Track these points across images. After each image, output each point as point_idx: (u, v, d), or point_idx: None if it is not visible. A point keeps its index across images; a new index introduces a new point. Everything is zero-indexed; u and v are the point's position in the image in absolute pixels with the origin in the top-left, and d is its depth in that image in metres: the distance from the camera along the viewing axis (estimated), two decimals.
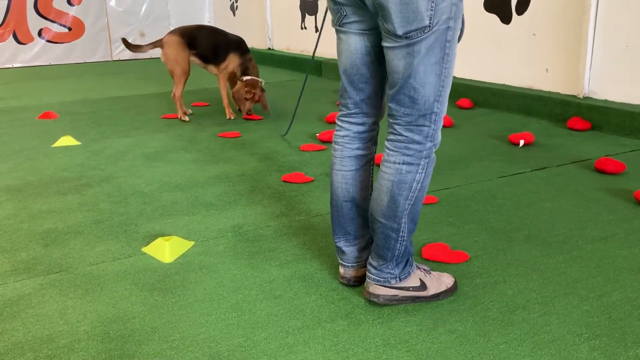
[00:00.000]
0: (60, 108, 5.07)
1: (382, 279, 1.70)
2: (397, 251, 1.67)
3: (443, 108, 1.58)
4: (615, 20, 3.65)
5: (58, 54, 8.67)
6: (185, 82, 4.35)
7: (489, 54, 4.57)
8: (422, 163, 1.59)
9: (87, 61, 8.81)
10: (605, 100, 3.75)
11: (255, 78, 4.29)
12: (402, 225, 1.64)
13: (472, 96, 4.50)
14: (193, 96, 5.45)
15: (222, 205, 2.61)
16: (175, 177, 3.04)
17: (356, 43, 1.65)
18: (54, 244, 2.24)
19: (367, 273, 1.74)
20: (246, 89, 4.22)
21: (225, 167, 3.19)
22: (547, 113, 3.91)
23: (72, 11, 8.59)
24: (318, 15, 6.85)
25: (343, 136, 1.76)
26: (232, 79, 4.46)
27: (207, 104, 5.07)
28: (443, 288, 1.75)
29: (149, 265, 2.03)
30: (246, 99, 4.27)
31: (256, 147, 3.60)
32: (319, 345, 1.54)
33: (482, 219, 2.33)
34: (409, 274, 1.72)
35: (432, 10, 1.45)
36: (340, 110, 1.77)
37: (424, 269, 1.78)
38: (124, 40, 4.50)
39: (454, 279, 1.79)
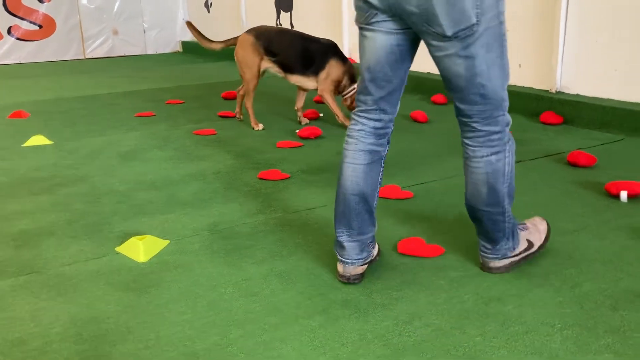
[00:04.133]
0: (32, 107, 4.97)
1: (500, 255, 1.82)
2: (507, 230, 1.79)
3: (507, 94, 1.66)
4: (586, 16, 3.71)
5: (29, 52, 8.50)
6: (254, 89, 3.87)
7: None
8: (507, 148, 1.70)
9: (59, 59, 8.66)
10: (577, 95, 3.81)
11: None
12: (506, 207, 1.75)
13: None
14: (168, 94, 5.40)
15: (198, 203, 2.59)
16: (150, 175, 3.01)
17: (382, 41, 1.67)
18: (26, 245, 2.19)
19: (481, 253, 1.85)
20: None
21: (200, 164, 3.17)
22: (520, 108, 3.96)
23: (43, 8, 8.43)
24: (293, 11, 6.83)
25: (358, 130, 1.78)
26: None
27: (182, 101, 5.03)
28: (543, 235, 1.92)
29: (123, 265, 2.01)
30: None
31: (232, 144, 3.58)
32: (296, 342, 1.54)
33: (457, 213, 2.35)
34: (519, 240, 1.84)
35: (478, 8, 1.51)
36: (358, 106, 1.79)
37: (523, 226, 1.88)
38: (190, 26, 4.12)
39: (544, 221, 1.96)
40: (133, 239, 2.10)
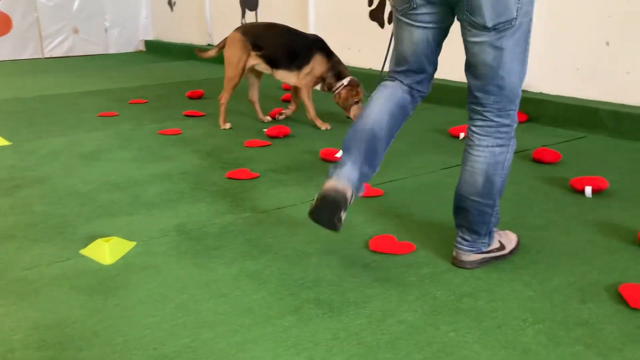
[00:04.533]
0: None
1: (474, 249, 1.84)
2: (491, 224, 1.83)
3: (521, 91, 1.73)
4: (550, 17, 3.77)
5: None
6: (234, 88, 3.78)
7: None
8: (511, 143, 1.76)
9: (16, 58, 8.40)
10: (541, 93, 3.88)
11: (354, 78, 3.72)
12: (496, 200, 1.79)
13: None
14: (131, 93, 5.29)
15: (164, 204, 2.53)
16: (114, 176, 2.93)
17: (419, 35, 1.75)
18: None
19: (457, 245, 1.86)
20: (352, 92, 3.65)
21: (166, 165, 3.10)
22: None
23: None
24: (259, 10, 6.78)
25: (394, 85, 1.85)
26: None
27: (146, 100, 4.93)
28: (513, 245, 1.93)
29: (88, 268, 1.94)
30: (355, 102, 3.68)
31: (198, 144, 3.52)
32: (269, 342, 1.51)
33: (427, 210, 2.36)
34: (493, 238, 1.87)
35: (519, 3, 1.58)
36: (395, 71, 1.86)
37: (496, 231, 1.91)
38: (199, 52, 4.05)
39: (515, 235, 1.97)
40: (98, 241, 2.03)
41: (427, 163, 2.98)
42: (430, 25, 1.74)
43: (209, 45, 7.89)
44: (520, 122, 3.75)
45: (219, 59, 4.01)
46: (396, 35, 1.83)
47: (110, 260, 1.98)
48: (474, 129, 1.76)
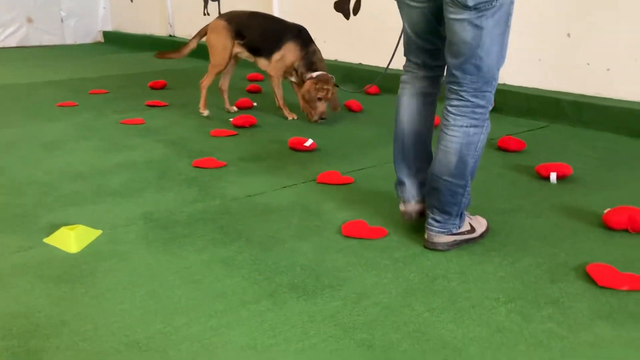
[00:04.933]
0: None
1: (445, 230, 1.86)
2: (462, 205, 1.84)
3: (498, 74, 1.75)
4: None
5: None
6: (217, 74, 3.73)
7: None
8: (485, 125, 1.78)
9: None
10: (504, 84, 3.95)
11: (326, 73, 3.52)
12: (468, 181, 1.81)
13: (380, 83, 4.58)
14: (91, 84, 5.15)
15: (129, 192, 2.47)
16: (76, 165, 2.85)
17: (418, 13, 1.80)
18: None
19: (428, 227, 1.88)
20: (317, 86, 3.44)
21: (130, 154, 3.03)
22: None
23: None
24: (221, 0, 6.69)
25: (411, 77, 1.92)
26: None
27: (107, 91, 4.81)
28: (484, 228, 1.96)
29: (53, 257, 1.88)
30: (319, 99, 3.48)
31: (163, 133, 3.45)
32: (244, 327, 1.49)
33: (395, 196, 2.36)
34: (464, 220, 1.89)
35: None
36: (408, 61, 1.93)
37: (467, 214, 1.93)
38: (161, 55, 3.95)
39: (485, 219, 1.99)
40: (63, 229, 1.97)
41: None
42: (424, 3, 1.76)
43: (170, 36, 7.75)
44: None
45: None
46: (402, 18, 1.88)
47: (76, 249, 1.92)
48: (450, 108, 1.77)
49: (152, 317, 1.54)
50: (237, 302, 1.60)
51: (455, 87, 1.75)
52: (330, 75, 3.53)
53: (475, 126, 1.76)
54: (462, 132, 1.75)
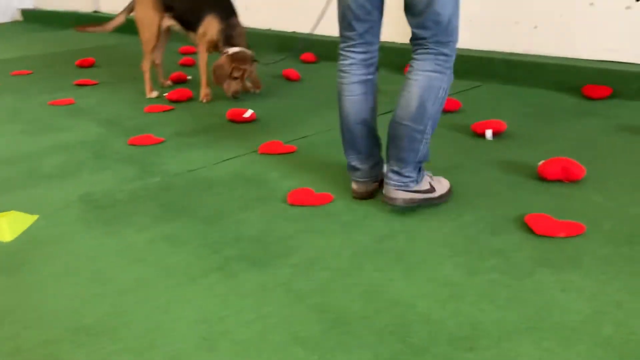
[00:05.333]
0: None
1: (402, 184, 1.87)
2: (420, 152, 1.85)
3: (458, 22, 1.80)
4: None
5: None
6: (153, 51, 3.52)
7: (332, 8, 4.64)
8: (447, 73, 1.82)
9: None
10: None
11: (244, 50, 3.27)
12: (427, 127, 1.83)
13: (317, 50, 4.55)
14: (12, 65, 4.87)
15: (64, 175, 2.38)
16: (2, 150, 2.70)
17: None
18: None
19: (386, 180, 1.89)
20: (233, 64, 3.22)
21: (61, 136, 2.90)
22: (387, 62, 4.06)
23: None
24: None
25: (349, 64, 1.92)
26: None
27: (30, 71, 4.56)
28: (445, 190, 1.97)
29: None
30: (234, 78, 3.27)
31: (94, 112, 3.32)
32: (195, 301, 1.47)
33: (339, 161, 2.37)
34: (423, 177, 1.92)
35: None
36: (344, 42, 1.93)
37: (428, 174, 1.97)
38: (82, 28, 3.68)
39: (449, 182, 2.01)
40: None
41: (335, 118, 2.98)
42: None
43: (94, 12, 7.42)
44: None
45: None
46: None
47: (11, 237, 1.84)
48: (415, 57, 1.82)
49: (100, 300, 1.49)
50: (185, 278, 1.58)
51: (419, 41, 1.80)
52: (249, 52, 3.30)
53: (437, 72, 1.79)
54: (424, 76, 1.79)
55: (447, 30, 1.77)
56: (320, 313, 1.40)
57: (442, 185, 1.97)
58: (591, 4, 3.30)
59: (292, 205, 2.00)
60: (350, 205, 1.97)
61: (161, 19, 3.48)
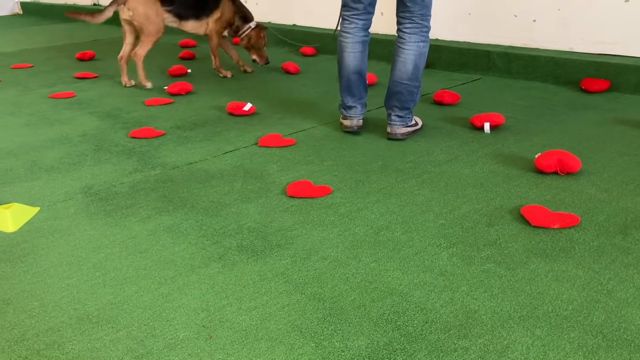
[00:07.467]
0: None
1: (403, 123, 2.53)
2: (415, 101, 2.51)
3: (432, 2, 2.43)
4: None
5: None
6: (154, 43, 3.61)
7: (331, 2, 4.64)
8: (427, 40, 2.43)
9: None
10: (437, 39, 4.01)
11: (258, 22, 3.86)
12: (419, 81, 2.47)
13: (315, 43, 4.57)
14: (13, 58, 4.89)
15: (65, 167, 2.40)
16: (5, 143, 2.73)
17: None
18: None
19: (390, 123, 2.53)
20: (261, 34, 3.82)
21: (62, 128, 2.93)
22: (384, 55, 4.09)
23: None
24: None
25: (353, 28, 2.49)
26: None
27: (31, 65, 4.58)
28: (421, 123, 2.66)
29: None
30: (264, 46, 3.88)
31: (95, 105, 3.34)
32: (196, 291, 1.50)
33: (338, 155, 2.40)
34: (412, 117, 2.58)
35: None
36: (349, 11, 2.47)
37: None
38: (71, 14, 3.64)
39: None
40: None
41: (332, 111, 3.01)
42: None
43: (94, 4, 7.42)
44: None
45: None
46: None
47: (14, 227, 1.86)
48: (405, 30, 2.40)
49: (101, 289, 1.52)
50: (186, 268, 1.60)
51: (407, 15, 2.37)
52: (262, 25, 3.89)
53: (423, 41, 2.41)
54: (416, 46, 2.40)
55: (428, 6, 2.37)
56: (318, 302, 1.43)
57: (419, 120, 2.64)
58: None
59: (290, 197, 2.02)
60: (348, 197, 2.00)
61: (162, 11, 3.55)
